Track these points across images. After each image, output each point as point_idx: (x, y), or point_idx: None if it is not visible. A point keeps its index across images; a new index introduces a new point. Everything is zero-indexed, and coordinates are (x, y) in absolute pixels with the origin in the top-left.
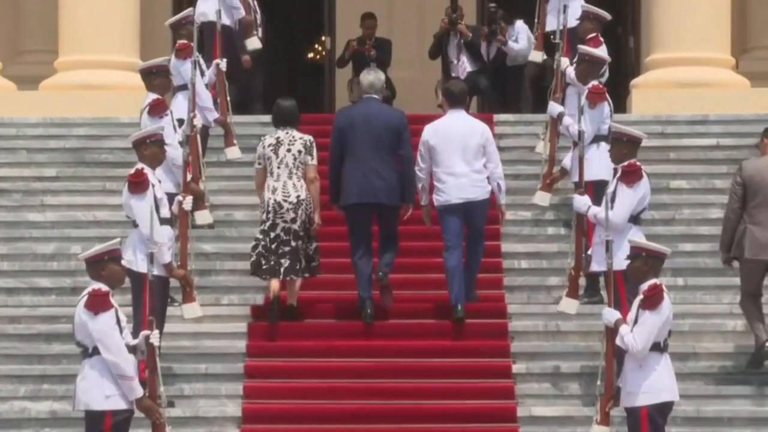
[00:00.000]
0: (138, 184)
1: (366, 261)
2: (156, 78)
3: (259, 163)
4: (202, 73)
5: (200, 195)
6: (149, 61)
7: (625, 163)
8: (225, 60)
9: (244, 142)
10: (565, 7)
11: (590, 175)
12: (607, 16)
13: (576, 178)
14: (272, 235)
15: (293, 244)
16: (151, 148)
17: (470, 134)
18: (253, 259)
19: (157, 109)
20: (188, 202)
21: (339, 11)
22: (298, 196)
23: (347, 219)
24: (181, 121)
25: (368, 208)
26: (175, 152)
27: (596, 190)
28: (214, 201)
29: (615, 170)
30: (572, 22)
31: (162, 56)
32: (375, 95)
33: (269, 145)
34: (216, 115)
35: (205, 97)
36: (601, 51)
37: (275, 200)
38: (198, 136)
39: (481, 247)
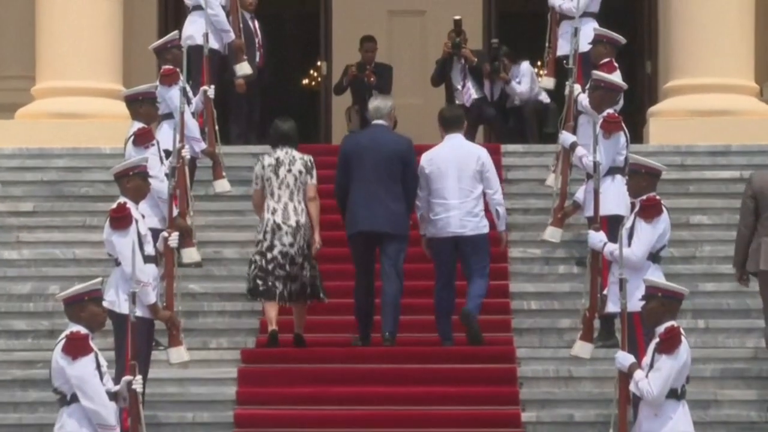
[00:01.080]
0: (120, 220)
1: (367, 292)
2: (142, 106)
3: (257, 184)
4: (189, 101)
5: (187, 231)
6: (135, 88)
7: (644, 197)
8: (213, 86)
9: (234, 174)
10: (576, 30)
11: (605, 209)
12: (622, 39)
13: (590, 213)
14: (269, 256)
15: (288, 269)
16: (134, 181)
17: (465, 161)
18: (249, 281)
19: (143, 139)
20: (174, 239)
21: (336, 34)
22: (297, 221)
23: (351, 249)
24: (167, 152)
25: (372, 237)
26: (160, 185)
27: (611, 226)
28: (202, 237)
29: (632, 204)
30: (584, 46)
31: (146, 82)
32: (382, 121)
33: (269, 165)
34: (203, 145)
35: (193, 127)
36: (616, 77)
37: (274, 221)
38: (185, 168)
39: (481, 283)
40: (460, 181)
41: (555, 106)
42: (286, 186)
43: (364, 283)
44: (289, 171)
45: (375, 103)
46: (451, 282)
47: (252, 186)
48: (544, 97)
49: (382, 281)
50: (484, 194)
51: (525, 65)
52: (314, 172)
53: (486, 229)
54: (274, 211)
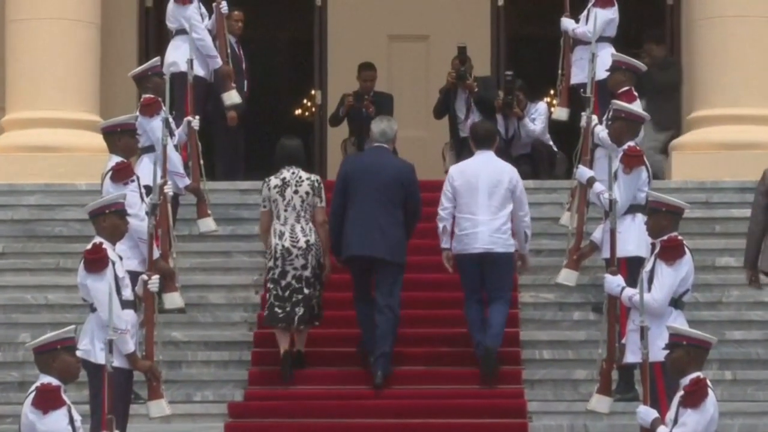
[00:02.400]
0: (96, 262)
1: (368, 313)
2: (121, 138)
3: (265, 206)
4: (172, 133)
5: (169, 274)
6: (113, 119)
7: (665, 237)
8: (198, 117)
9: (220, 212)
10: (592, 55)
11: (624, 251)
12: (642, 66)
13: (607, 255)
14: (283, 283)
15: (306, 291)
16: (111, 219)
17: (498, 178)
18: (267, 311)
19: (122, 174)
20: (155, 283)
21: (332, 61)
22: (307, 241)
23: (351, 272)
24: (148, 188)
25: (368, 262)
26: (140, 224)
27: (631, 269)
28: (186, 281)
29: (653, 245)
30: (601, 73)
31: (125, 113)
32: (385, 144)
33: (275, 187)
34: (187, 181)
35: (176, 161)
36: (636, 107)
37: (283, 246)
38: (168, 206)
39: (502, 311)
40: (491, 197)
41: (563, 157)
42: (292, 208)
43: (364, 307)
44: (296, 192)
45: (381, 126)
46: (480, 298)
47: (261, 208)
48: (548, 139)
49: (376, 315)
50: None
51: (542, 105)
52: (323, 194)
53: (513, 249)
54: (281, 235)
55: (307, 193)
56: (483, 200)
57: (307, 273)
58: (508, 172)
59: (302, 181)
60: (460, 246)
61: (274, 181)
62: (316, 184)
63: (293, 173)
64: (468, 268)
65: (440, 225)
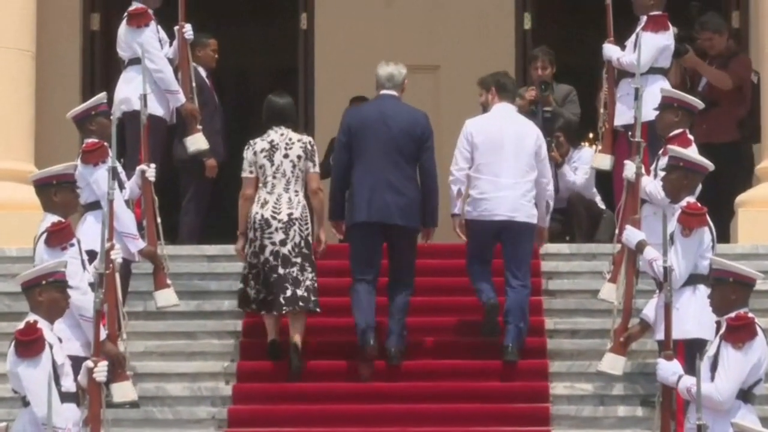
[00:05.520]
0: (29, 345)
1: (368, 291)
2: (58, 193)
3: (251, 171)
4: (121, 185)
5: (119, 360)
6: (48, 169)
7: (732, 315)
8: (154, 166)
9: (182, 283)
10: (637, 90)
11: (682, 331)
12: (699, 104)
13: (661, 336)
14: (261, 258)
15: (281, 271)
16: (48, 293)
17: (524, 136)
18: (240, 288)
19: (59, 237)
20: (101, 371)
21: (319, 95)
22: (290, 214)
23: (352, 243)
24: (92, 255)
25: (379, 229)
26: (82, 298)
27: (690, 353)
28: (140, 368)
29: (717, 324)
30: (650, 112)
31: (63, 161)
32: (393, 91)
33: (262, 151)
34: (142, 244)
35: (126, 220)
36: (694, 152)
37: (263, 216)
38: (117, 275)
39: (524, 296)
40: (518, 158)
41: (611, 217)
42: (282, 174)
43: (367, 277)
44: (286, 156)
45: (388, 69)
46: (489, 267)
47: (244, 173)
48: (599, 201)
49: (389, 288)
50: None
51: (587, 152)
52: (316, 158)
53: (535, 221)
54: (264, 204)
55: (299, 157)
56: (509, 161)
57: (285, 250)
58: (534, 130)
59: (293, 143)
60: (477, 212)
61: (260, 144)
62: (309, 147)
63: (282, 135)
64: (482, 239)
65: (453, 188)
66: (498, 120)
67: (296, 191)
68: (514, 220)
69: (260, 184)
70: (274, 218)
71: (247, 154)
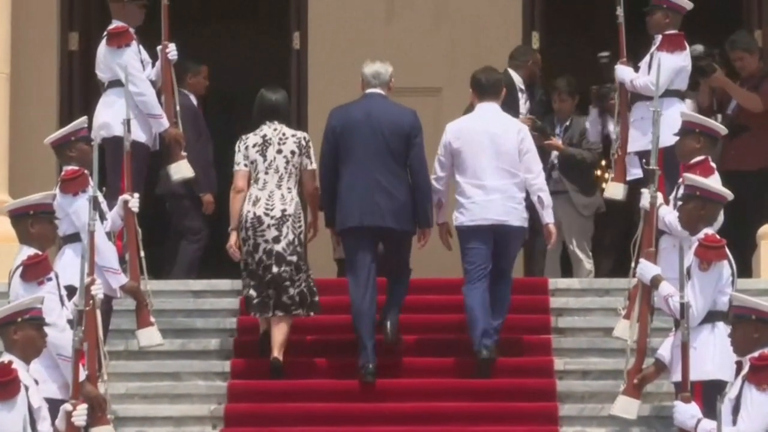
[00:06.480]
0: (4, 387)
1: (369, 302)
2: (34, 224)
3: (245, 165)
4: (103, 217)
5: (99, 403)
6: (24, 199)
7: (755, 354)
8: (137, 195)
9: (166, 321)
10: (655, 114)
11: (700, 372)
12: (723, 129)
13: (679, 377)
14: (256, 257)
15: (275, 270)
16: (24, 331)
17: (503, 135)
18: (245, 293)
19: (35, 271)
20: (81, 414)
21: (312, 124)
22: (283, 211)
23: (345, 248)
24: (71, 290)
25: (371, 233)
26: (60, 336)
27: (709, 395)
28: (121, 411)
29: (738, 365)
30: (668, 138)
31: (41, 190)
32: (379, 89)
33: (254, 146)
34: (124, 279)
35: (108, 253)
36: (714, 182)
37: (254, 214)
38: (97, 312)
39: (507, 288)
40: (499, 158)
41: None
42: (274, 170)
43: (365, 285)
44: (279, 152)
45: (374, 67)
46: (485, 280)
47: (236, 167)
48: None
49: (390, 285)
50: None
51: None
52: (312, 154)
53: (527, 223)
54: (255, 201)
55: (293, 153)
56: (489, 162)
57: (278, 248)
58: (515, 126)
59: (286, 138)
60: (468, 217)
61: (252, 138)
62: (304, 142)
63: (275, 130)
64: (477, 245)
65: (434, 197)
66: (476, 121)
67: (289, 188)
68: (505, 224)
69: (252, 181)
70: (266, 215)
71: (240, 149)
